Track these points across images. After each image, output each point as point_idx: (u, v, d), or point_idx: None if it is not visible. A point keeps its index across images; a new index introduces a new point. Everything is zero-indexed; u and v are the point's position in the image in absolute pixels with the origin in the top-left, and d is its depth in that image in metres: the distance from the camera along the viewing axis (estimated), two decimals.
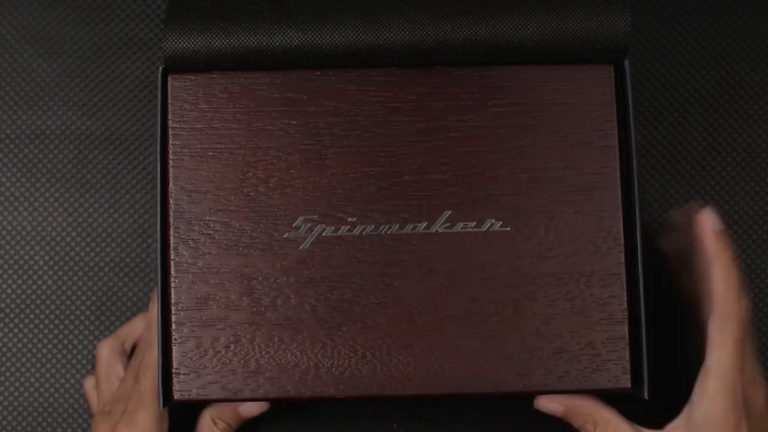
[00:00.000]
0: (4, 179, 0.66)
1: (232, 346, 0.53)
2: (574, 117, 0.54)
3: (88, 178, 0.66)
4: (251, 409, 0.57)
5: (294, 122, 0.54)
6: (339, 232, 0.53)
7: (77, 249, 0.65)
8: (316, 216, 0.53)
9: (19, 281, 0.65)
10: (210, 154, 0.54)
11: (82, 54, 0.68)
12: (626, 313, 0.52)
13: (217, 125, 0.54)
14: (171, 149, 0.54)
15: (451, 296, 0.53)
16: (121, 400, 0.57)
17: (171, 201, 0.53)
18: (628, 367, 0.52)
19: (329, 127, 0.54)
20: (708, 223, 0.53)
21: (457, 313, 0.53)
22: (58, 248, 0.65)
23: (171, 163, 0.54)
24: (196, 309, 0.53)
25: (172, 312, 0.53)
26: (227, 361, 0.52)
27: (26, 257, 0.65)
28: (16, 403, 0.63)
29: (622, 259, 0.53)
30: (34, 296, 0.65)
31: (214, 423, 0.56)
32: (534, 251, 0.53)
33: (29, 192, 0.66)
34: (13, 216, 0.66)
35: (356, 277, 0.53)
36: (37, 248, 0.65)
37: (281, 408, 0.61)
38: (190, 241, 0.53)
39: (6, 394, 0.63)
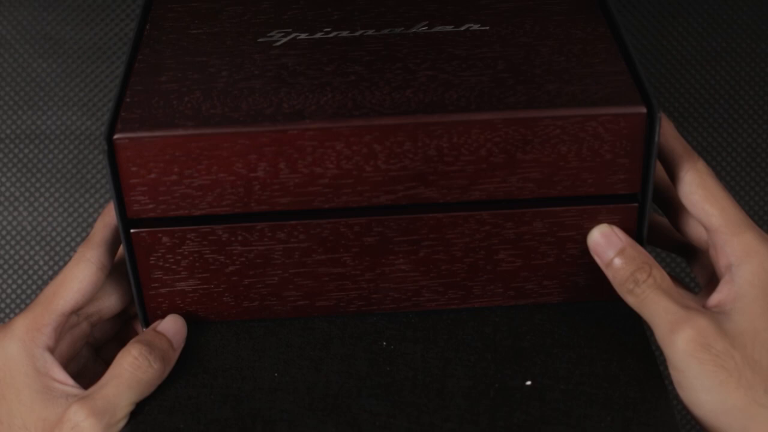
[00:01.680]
0: (4, 179, 0.66)
1: (187, 98, 0.48)
2: None
3: (88, 178, 0.66)
4: (168, 324, 0.50)
5: None
6: (314, 36, 0.51)
7: (77, 249, 0.65)
8: (291, 29, 0.52)
9: (19, 281, 0.65)
10: (188, 6, 0.54)
11: (82, 54, 0.68)
12: (626, 68, 0.48)
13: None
14: (153, 7, 0.54)
15: (431, 65, 0.49)
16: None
17: (145, 31, 0.52)
18: (640, 97, 0.47)
19: None
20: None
21: (437, 73, 0.49)
22: (58, 248, 0.65)
23: (150, 12, 0.53)
24: (154, 79, 0.49)
25: (129, 83, 0.49)
26: (179, 108, 0.47)
27: (26, 257, 0.65)
28: None
29: (615, 44, 0.50)
30: (34, 296, 0.65)
31: (146, 358, 0.48)
32: (517, 40, 0.50)
33: (29, 192, 0.66)
34: (13, 216, 0.66)
35: (330, 58, 0.50)
36: (37, 248, 0.65)
37: (254, 330, 0.54)
38: (157, 47, 0.51)
39: None
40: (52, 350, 0.48)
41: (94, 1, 0.68)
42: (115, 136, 0.46)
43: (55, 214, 0.66)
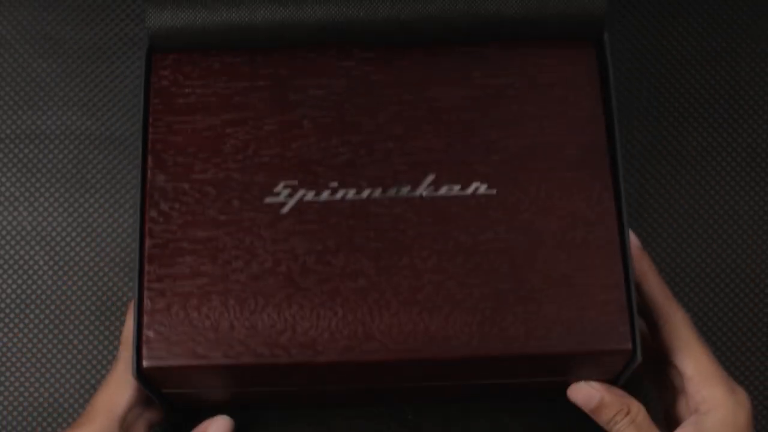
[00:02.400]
0: (4, 179, 0.66)
1: (205, 308, 0.51)
2: (558, 91, 0.54)
3: (88, 178, 0.66)
4: (218, 429, 0.56)
5: (274, 95, 0.54)
6: (320, 196, 0.52)
7: (77, 249, 0.65)
8: (297, 181, 0.53)
9: (19, 281, 0.65)
10: (189, 128, 0.54)
11: (82, 54, 0.68)
12: (623, 279, 0.51)
13: (196, 100, 0.54)
14: (152, 124, 0.54)
15: (437, 262, 0.51)
16: None
17: (148, 169, 0.53)
18: (629, 330, 0.50)
19: (310, 100, 0.54)
20: (632, 241, 0.53)
21: (442, 278, 0.51)
22: (58, 248, 0.65)
23: (150, 136, 0.54)
24: (169, 273, 0.52)
25: (145, 277, 0.52)
26: (199, 325, 0.51)
27: (26, 257, 0.65)
28: (16, 403, 0.63)
29: (615, 227, 0.52)
30: (34, 296, 0.65)
31: None
32: (522, 216, 0.52)
33: (29, 192, 0.66)
34: (13, 216, 0.66)
35: (337, 242, 0.52)
36: (37, 248, 0.65)
37: (274, 417, 0.61)
38: (165, 207, 0.53)
39: (6, 394, 0.63)
40: None
41: (94, 1, 0.68)
42: (144, 364, 0.50)
43: (55, 214, 0.66)
